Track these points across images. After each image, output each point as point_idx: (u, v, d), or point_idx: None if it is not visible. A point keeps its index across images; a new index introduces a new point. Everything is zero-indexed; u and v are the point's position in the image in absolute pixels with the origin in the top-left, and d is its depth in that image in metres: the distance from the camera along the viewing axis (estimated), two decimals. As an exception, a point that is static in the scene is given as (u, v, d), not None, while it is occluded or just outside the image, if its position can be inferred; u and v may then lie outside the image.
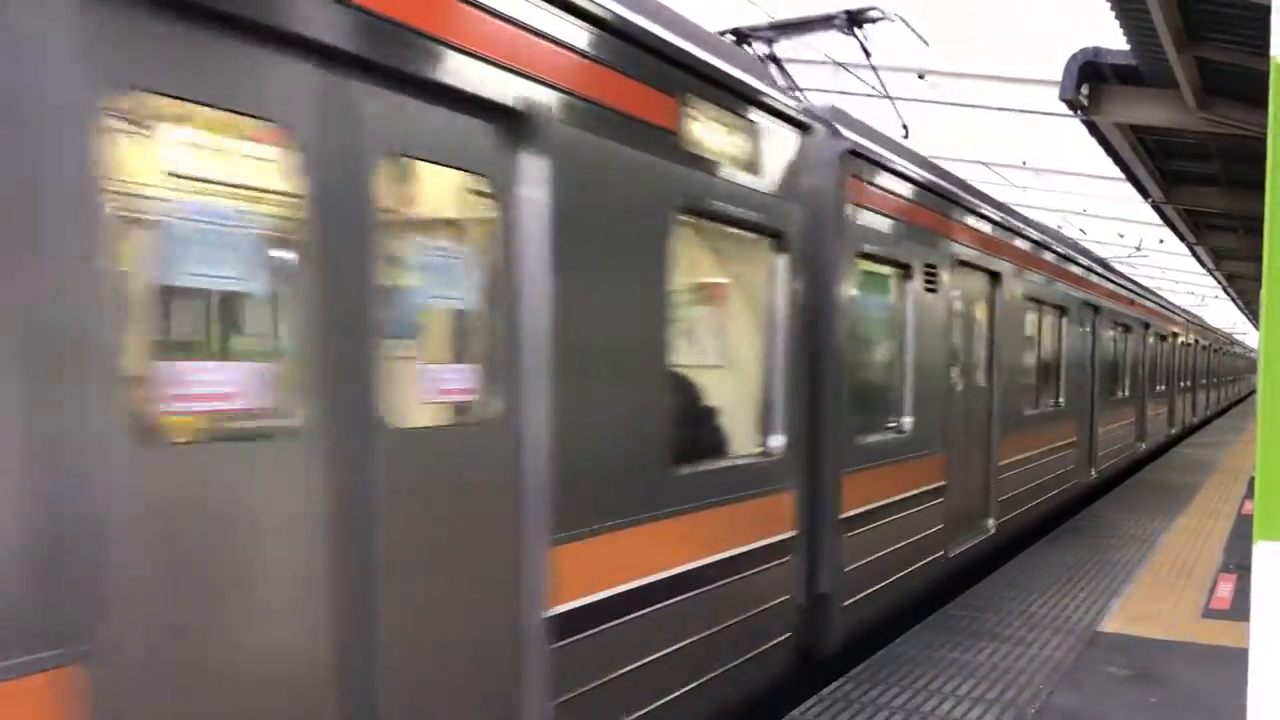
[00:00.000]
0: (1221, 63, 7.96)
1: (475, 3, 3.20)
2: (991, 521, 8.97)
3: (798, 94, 6.53)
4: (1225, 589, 8.13)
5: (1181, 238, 18.52)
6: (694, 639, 4.32)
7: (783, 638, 5.20)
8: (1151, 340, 18.54)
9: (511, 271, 3.40)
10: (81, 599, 2.21)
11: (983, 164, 19.67)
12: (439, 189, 3.40)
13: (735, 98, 4.67)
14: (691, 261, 4.66)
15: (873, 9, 6.84)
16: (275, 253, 2.80)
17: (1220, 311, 42.87)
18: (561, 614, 3.53)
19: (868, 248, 6.28)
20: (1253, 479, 2.73)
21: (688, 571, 4.28)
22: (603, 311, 3.80)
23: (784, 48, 7.03)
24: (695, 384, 4.80)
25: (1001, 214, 9.42)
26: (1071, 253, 12.49)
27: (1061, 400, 11.63)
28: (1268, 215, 2.59)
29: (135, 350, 2.38)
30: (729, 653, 4.63)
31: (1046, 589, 8.14)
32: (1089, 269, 13.33)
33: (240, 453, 2.63)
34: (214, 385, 2.60)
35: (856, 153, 6.10)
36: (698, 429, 4.82)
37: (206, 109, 2.54)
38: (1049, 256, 11.01)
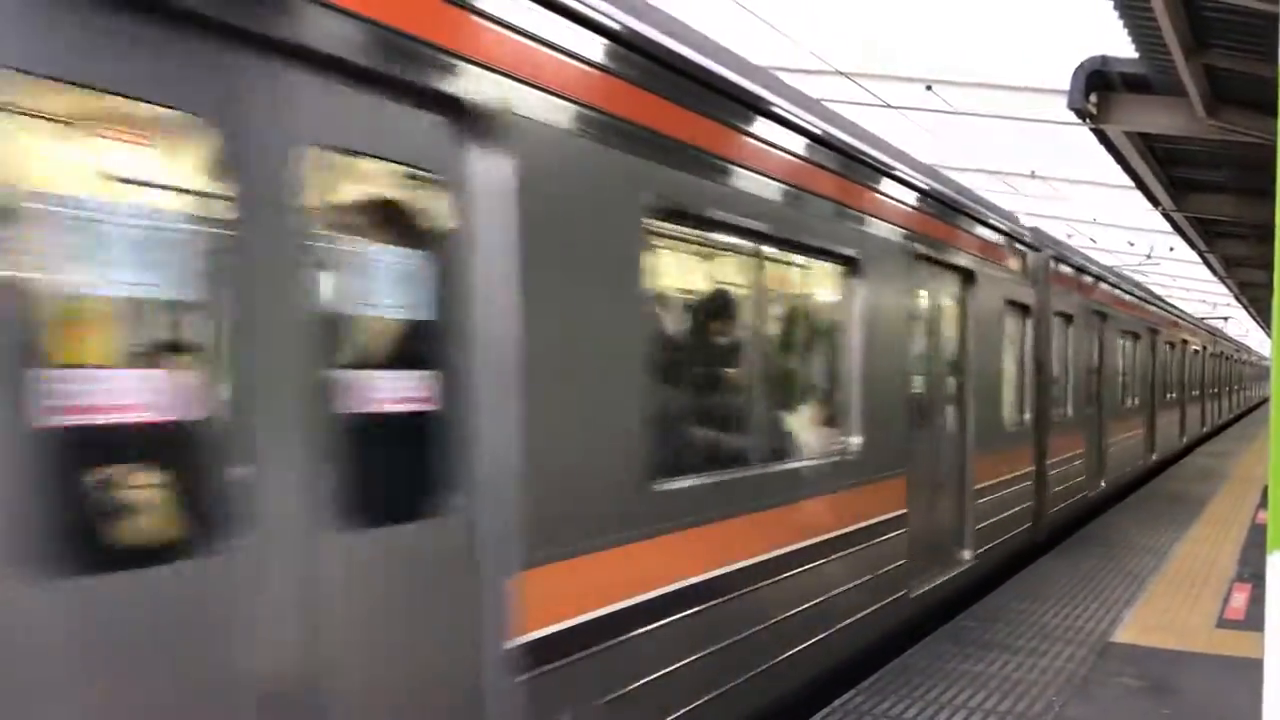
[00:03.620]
0: (1230, 70, 7.94)
1: None
2: None
3: None
4: (1240, 599, 8.07)
5: (1192, 245, 18.46)
6: None
7: None
8: (1122, 342, 15.31)
9: None
10: None
11: (990, 173, 19.65)
12: None
13: None
14: None
15: None
16: None
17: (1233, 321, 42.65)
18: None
19: None
20: (1267, 488, 2.70)
21: None
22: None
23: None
24: None
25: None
26: (971, 205, 8.47)
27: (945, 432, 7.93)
28: (1278, 223, 2.58)
29: None
30: None
31: (1058, 599, 8.09)
32: (1000, 231, 9.22)
33: None
34: None
35: None
36: None
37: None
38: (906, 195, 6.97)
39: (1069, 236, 20.19)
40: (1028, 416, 10.17)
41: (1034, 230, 10.98)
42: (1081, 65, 9.30)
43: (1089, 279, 13.24)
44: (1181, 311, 24.75)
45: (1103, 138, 10.56)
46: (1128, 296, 16.10)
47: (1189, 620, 7.47)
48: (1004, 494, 9.09)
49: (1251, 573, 8.87)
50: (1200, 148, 10.80)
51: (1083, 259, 13.66)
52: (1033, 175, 19.79)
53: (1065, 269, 11.82)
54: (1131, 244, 25.50)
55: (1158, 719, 5.50)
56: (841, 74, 13.29)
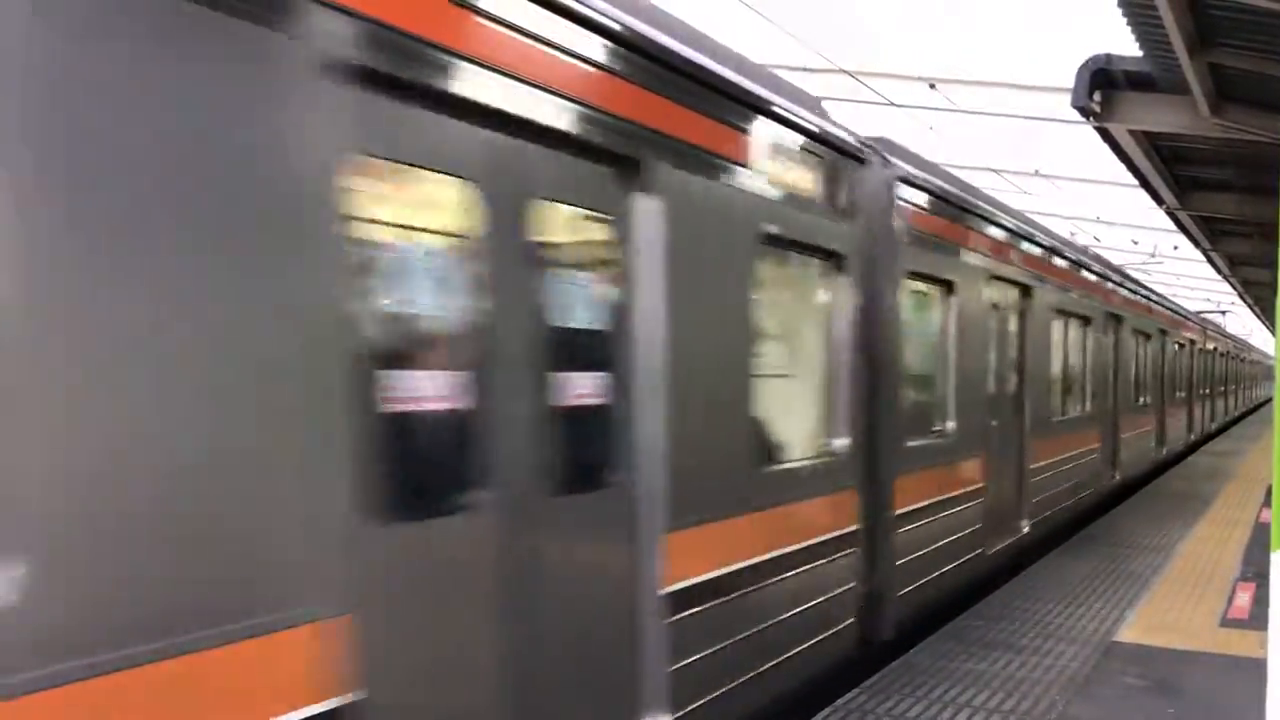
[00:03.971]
0: (1235, 68, 7.93)
1: None
2: None
3: None
4: (1243, 598, 8.06)
5: (1196, 244, 18.43)
6: None
7: None
8: (1067, 330, 11.65)
9: None
10: None
11: (994, 171, 19.64)
12: None
13: None
14: None
15: None
16: None
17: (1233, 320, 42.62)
18: None
19: None
20: (1270, 488, 2.70)
21: None
22: None
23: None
24: None
25: None
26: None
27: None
28: (1283, 220, 2.57)
29: None
30: None
31: (1062, 599, 8.08)
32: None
33: None
34: None
35: None
36: None
37: None
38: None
39: (1072, 235, 20.16)
40: (842, 442, 6.06)
41: (881, 139, 6.92)
42: (1085, 63, 9.27)
43: (997, 231, 8.69)
44: (1161, 296, 20.70)
45: (1106, 136, 10.53)
46: (1071, 266, 11.57)
47: (1193, 619, 7.46)
48: (769, 586, 5.07)
49: (1255, 572, 8.86)
50: (1204, 146, 10.77)
51: (989, 204, 8.84)
52: (1036, 174, 19.77)
53: (940, 205, 7.45)
54: (1135, 242, 25.49)
55: (1161, 718, 5.49)
56: (845, 72, 13.27)
